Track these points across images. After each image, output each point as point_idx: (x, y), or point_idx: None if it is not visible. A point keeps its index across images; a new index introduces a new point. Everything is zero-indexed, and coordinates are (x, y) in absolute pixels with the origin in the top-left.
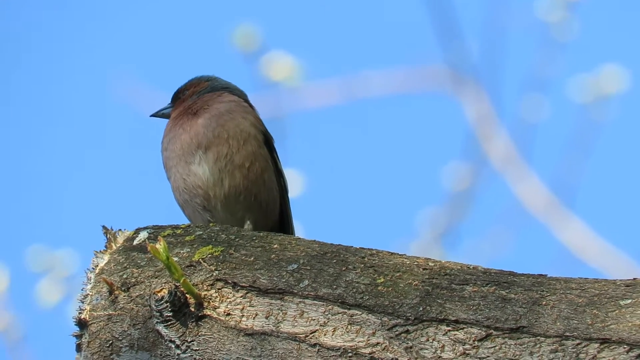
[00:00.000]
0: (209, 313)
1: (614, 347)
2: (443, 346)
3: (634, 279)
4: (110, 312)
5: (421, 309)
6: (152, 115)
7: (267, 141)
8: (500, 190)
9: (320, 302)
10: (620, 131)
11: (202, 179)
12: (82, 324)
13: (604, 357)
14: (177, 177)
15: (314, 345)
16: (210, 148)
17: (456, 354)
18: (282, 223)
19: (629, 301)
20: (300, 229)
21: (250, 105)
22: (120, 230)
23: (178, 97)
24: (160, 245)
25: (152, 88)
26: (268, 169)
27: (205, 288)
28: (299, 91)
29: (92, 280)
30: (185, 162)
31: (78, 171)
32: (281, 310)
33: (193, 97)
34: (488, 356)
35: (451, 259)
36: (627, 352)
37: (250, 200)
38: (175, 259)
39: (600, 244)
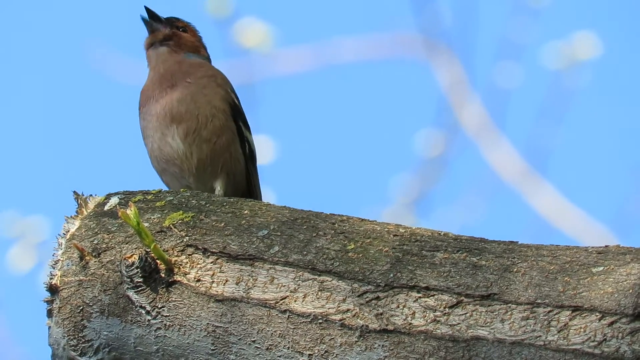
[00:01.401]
0: (179, 279)
1: (585, 314)
2: (414, 313)
3: (606, 246)
4: (81, 277)
5: (391, 275)
6: (146, 12)
7: (236, 112)
8: (473, 157)
9: (290, 269)
10: (593, 98)
11: (177, 152)
12: (53, 289)
13: (575, 325)
14: (154, 147)
15: (284, 311)
16: (181, 123)
17: (427, 320)
18: (250, 193)
19: (601, 268)
20: (272, 196)
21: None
22: (91, 195)
23: (170, 23)
24: (130, 211)
25: (124, 54)
26: (235, 141)
27: (175, 254)
28: (271, 57)
29: (63, 246)
30: (161, 134)
31: (50, 137)
32: (251, 277)
33: (182, 52)
34: (459, 323)
35: (423, 226)
36: (599, 319)
37: (217, 171)
38: (146, 224)
39: (573, 211)
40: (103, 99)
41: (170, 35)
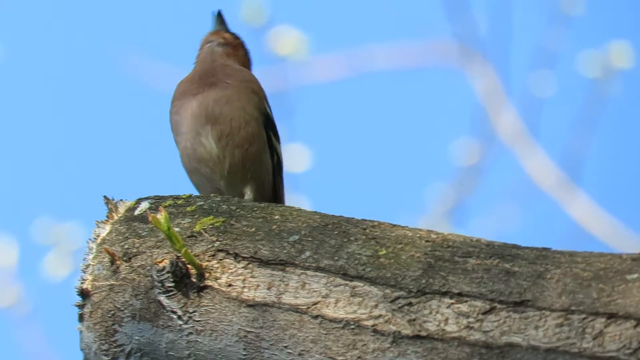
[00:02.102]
0: (210, 284)
1: (620, 322)
2: (447, 319)
3: None
4: (112, 282)
5: (424, 281)
6: (218, 12)
7: (268, 121)
8: (509, 166)
9: (322, 274)
10: (628, 106)
11: (211, 153)
12: (84, 294)
13: (610, 332)
14: (187, 145)
15: (316, 317)
16: (215, 125)
17: (460, 327)
18: (275, 201)
19: (636, 275)
20: (306, 204)
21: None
22: (121, 200)
23: (234, 36)
24: (161, 216)
25: (157, 61)
26: (265, 151)
27: (206, 259)
28: (305, 65)
29: (93, 250)
30: (196, 132)
31: (82, 142)
32: (283, 282)
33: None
34: (492, 329)
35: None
36: (635, 327)
37: (247, 178)
38: (177, 229)
39: (607, 219)
40: (134, 104)
41: (232, 42)
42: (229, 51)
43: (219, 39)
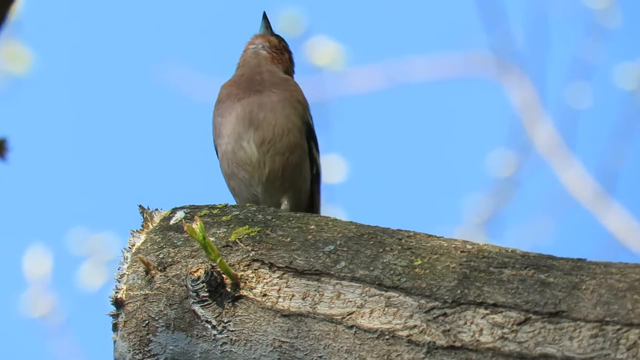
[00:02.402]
0: (245, 294)
1: None
2: (481, 330)
3: None
4: (146, 291)
5: (459, 291)
6: (265, 16)
7: (309, 132)
8: (544, 177)
9: (357, 284)
10: None
11: (251, 157)
12: (118, 303)
13: None
14: (227, 148)
15: (351, 327)
16: (258, 130)
17: (494, 337)
18: (311, 211)
19: None
20: (342, 215)
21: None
22: (156, 209)
23: (279, 39)
24: (196, 225)
25: (193, 71)
26: (305, 160)
27: (241, 268)
28: (343, 76)
29: (128, 260)
30: (238, 136)
31: (117, 151)
32: (318, 292)
33: (277, 66)
34: (527, 340)
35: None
36: None
37: (286, 186)
38: (212, 239)
39: None
40: (171, 113)
41: (278, 47)
42: (274, 55)
43: (264, 42)
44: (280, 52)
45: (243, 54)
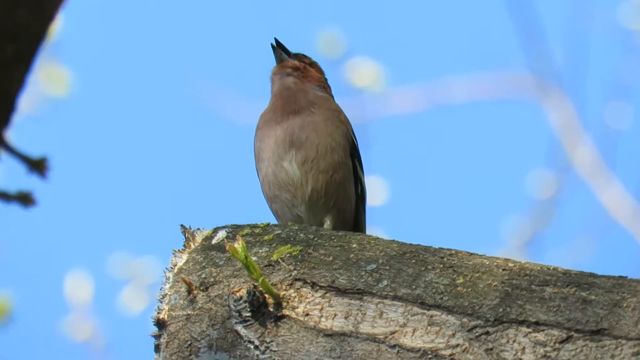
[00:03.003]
0: (287, 313)
1: None
2: (523, 348)
3: None
4: (188, 312)
5: (501, 310)
6: (275, 42)
7: (354, 151)
8: (585, 198)
9: (399, 303)
10: None
11: (293, 178)
12: (160, 324)
13: None
14: (268, 171)
15: (394, 346)
16: (300, 150)
17: (537, 356)
18: (356, 230)
19: None
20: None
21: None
22: (198, 229)
23: (299, 58)
24: (238, 245)
25: (232, 92)
26: (349, 179)
27: (284, 288)
28: (383, 97)
29: (170, 280)
30: (278, 157)
31: (158, 172)
32: (360, 311)
33: (308, 84)
34: (569, 358)
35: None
36: None
37: (329, 205)
38: (254, 258)
39: None
40: (211, 135)
41: (298, 67)
42: (300, 75)
43: (284, 70)
44: (305, 70)
45: (272, 86)
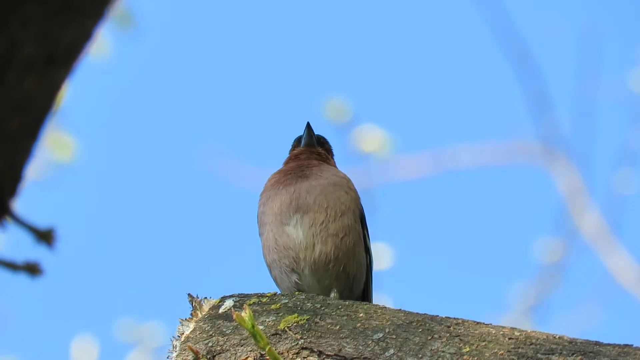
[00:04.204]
0: None
1: None
2: None
3: None
4: None
5: None
6: (309, 127)
7: (362, 219)
8: (591, 264)
9: None
10: None
11: (295, 241)
12: None
13: None
14: (269, 236)
15: None
16: (307, 213)
17: None
18: (364, 299)
19: None
20: (388, 302)
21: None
22: (205, 298)
23: (320, 143)
24: (245, 314)
25: (242, 160)
26: (360, 243)
27: (290, 356)
28: (389, 163)
29: (177, 348)
30: (280, 222)
31: (164, 241)
32: None
33: (306, 157)
34: None
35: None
36: None
37: (339, 270)
38: (261, 327)
39: None
40: (218, 202)
41: (321, 155)
42: (321, 160)
43: (311, 155)
44: (326, 157)
45: (288, 160)
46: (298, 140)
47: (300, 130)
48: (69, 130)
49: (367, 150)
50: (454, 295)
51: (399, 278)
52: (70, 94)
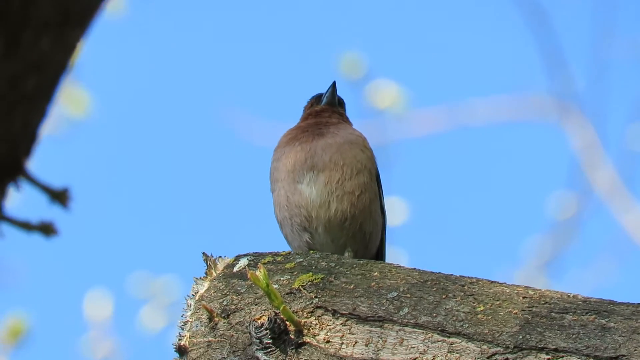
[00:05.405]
0: (308, 340)
1: None
2: None
3: None
4: (209, 338)
5: (521, 337)
6: (334, 86)
7: (377, 178)
8: (605, 220)
9: (420, 330)
10: None
11: (308, 199)
12: (181, 350)
13: None
14: (281, 193)
15: None
16: (323, 171)
17: None
18: (377, 257)
19: None
20: (403, 257)
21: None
22: (220, 257)
23: (340, 104)
24: (260, 273)
25: (257, 116)
26: (375, 202)
27: (305, 315)
28: (404, 119)
29: (192, 307)
30: (293, 180)
31: (181, 197)
32: (381, 338)
33: (328, 116)
34: None
35: (554, 288)
36: None
37: (355, 228)
38: (275, 286)
39: None
40: (234, 160)
41: (342, 114)
42: (340, 117)
43: (329, 113)
44: (344, 117)
45: (306, 115)
46: (317, 98)
47: (315, 87)
48: (83, 85)
49: (382, 105)
50: (468, 250)
51: (413, 233)
52: (85, 50)
